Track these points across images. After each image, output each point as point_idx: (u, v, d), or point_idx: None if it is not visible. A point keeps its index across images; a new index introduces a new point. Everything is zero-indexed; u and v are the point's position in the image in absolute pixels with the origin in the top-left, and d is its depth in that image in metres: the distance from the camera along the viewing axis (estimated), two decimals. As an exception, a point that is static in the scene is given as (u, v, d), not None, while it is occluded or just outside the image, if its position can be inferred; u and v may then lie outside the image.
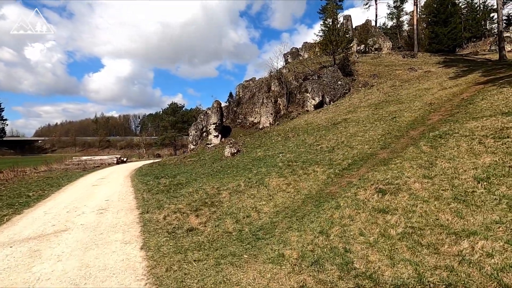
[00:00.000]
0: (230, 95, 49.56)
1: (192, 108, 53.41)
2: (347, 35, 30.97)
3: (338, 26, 30.66)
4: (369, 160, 10.75)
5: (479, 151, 7.85)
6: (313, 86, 28.57)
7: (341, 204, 7.21)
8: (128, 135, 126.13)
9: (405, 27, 49.01)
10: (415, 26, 37.90)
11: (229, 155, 23.10)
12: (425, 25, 47.41)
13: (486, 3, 47.60)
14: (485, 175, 6.53)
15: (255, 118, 33.37)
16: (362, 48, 39.42)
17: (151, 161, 38.71)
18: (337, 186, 8.98)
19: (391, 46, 40.13)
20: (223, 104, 44.95)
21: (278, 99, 30.88)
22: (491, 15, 47.62)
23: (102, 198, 12.33)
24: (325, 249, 5.23)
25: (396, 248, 4.79)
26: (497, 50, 35.28)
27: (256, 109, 33.50)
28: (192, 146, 36.71)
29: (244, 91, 39.95)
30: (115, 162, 34.08)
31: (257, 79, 43.29)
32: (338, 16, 33.86)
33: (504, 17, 52.25)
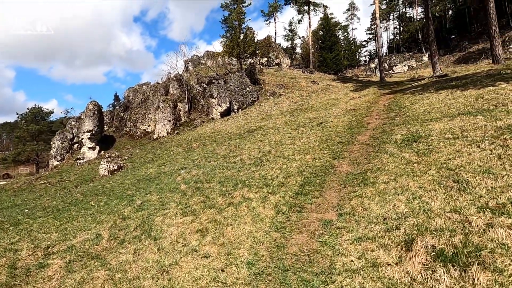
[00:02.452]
0: (116, 97, 39.61)
1: (68, 116, 39.30)
2: (253, 43, 28.30)
3: (245, 30, 27.68)
4: (328, 176, 6.64)
5: (519, 158, 4.76)
6: (220, 91, 24.11)
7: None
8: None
9: (298, 49, 51.96)
10: (310, 47, 39.41)
11: (106, 173, 15.71)
12: (313, 50, 50.94)
13: (356, 39, 55.62)
14: None
15: (149, 126, 26.15)
16: (264, 61, 38.10)
17: (-16, 185, 25.28)
18: (306, 234, 4.30)
19: (289, 63, 40.47)
20: (106, 109, 35.23)
21: (178, 104, 24.91)
22: (360, 49, 55.80)
23: None
24: None
25: None
26: (371, 75, 40.17)
27: (149, 115, 26.37)
28: (55, 163, 25.86)
29: (135, 95, 31.88)
30: None
31: (152, 83, 35.71)
32: (242, 26, 31.03)
33: (367, 53, 62.73)
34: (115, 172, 15.64)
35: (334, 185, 6.04)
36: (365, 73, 40.44)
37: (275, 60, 38.69)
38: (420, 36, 43.08)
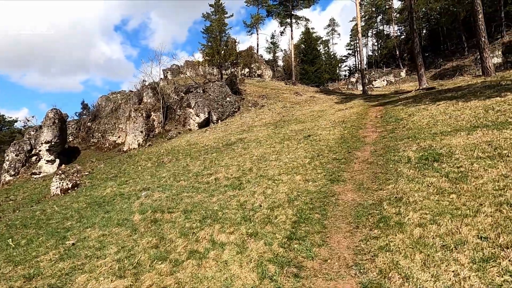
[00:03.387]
0: (84, 105, 36.24)
1: (28, 125, 34.99)
2: (234, 51, 26.80)
3: (226, 39, 26.18)
4: (329, 208, 4.85)
5: None
6: (198, 101, 22.16)
7: None
8: None
9: (280, 62, 51.37)
10: (292, 59, 38.64)
11: (59, 192, 13.22)
12: (295, 63, 50.49)
13: (336, 54, 56.03)
14: None
15: (119, 137, 23.51)
16: (246, 72, 36.73)
17: None
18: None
19: (271, 75, 39.41)
20: (72, 118, 32.06)
21: (152, 113, 22.63)
22: (340, 64, 56.19)
23: None
24: None
25: None
26: (352, 88, 39.88)
27: (120, 125, 23.77)
28: (8, 177, 22.38)
29: (107, 103, 29.13)
30: None
31: (127, 92, 33.02)
32: (223, 34, 29.51)
33: (347, 68, 63.43)
34: (69, 190, 13.12)
35: (341, 223, 4.24)
36: (346, 86, 40.15)
37: (257, 71, 37.46)
38: (397, 52, 43.76)
